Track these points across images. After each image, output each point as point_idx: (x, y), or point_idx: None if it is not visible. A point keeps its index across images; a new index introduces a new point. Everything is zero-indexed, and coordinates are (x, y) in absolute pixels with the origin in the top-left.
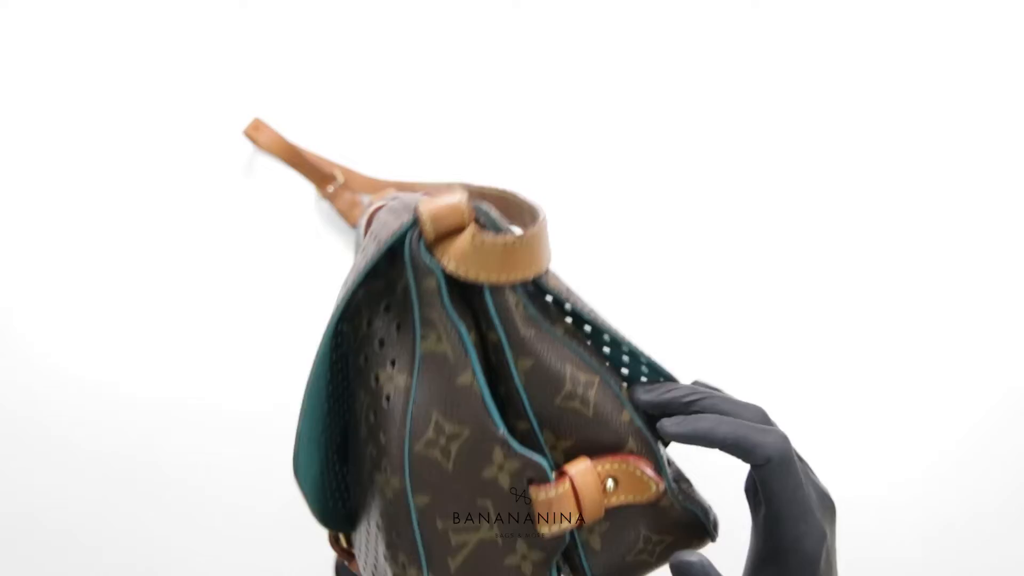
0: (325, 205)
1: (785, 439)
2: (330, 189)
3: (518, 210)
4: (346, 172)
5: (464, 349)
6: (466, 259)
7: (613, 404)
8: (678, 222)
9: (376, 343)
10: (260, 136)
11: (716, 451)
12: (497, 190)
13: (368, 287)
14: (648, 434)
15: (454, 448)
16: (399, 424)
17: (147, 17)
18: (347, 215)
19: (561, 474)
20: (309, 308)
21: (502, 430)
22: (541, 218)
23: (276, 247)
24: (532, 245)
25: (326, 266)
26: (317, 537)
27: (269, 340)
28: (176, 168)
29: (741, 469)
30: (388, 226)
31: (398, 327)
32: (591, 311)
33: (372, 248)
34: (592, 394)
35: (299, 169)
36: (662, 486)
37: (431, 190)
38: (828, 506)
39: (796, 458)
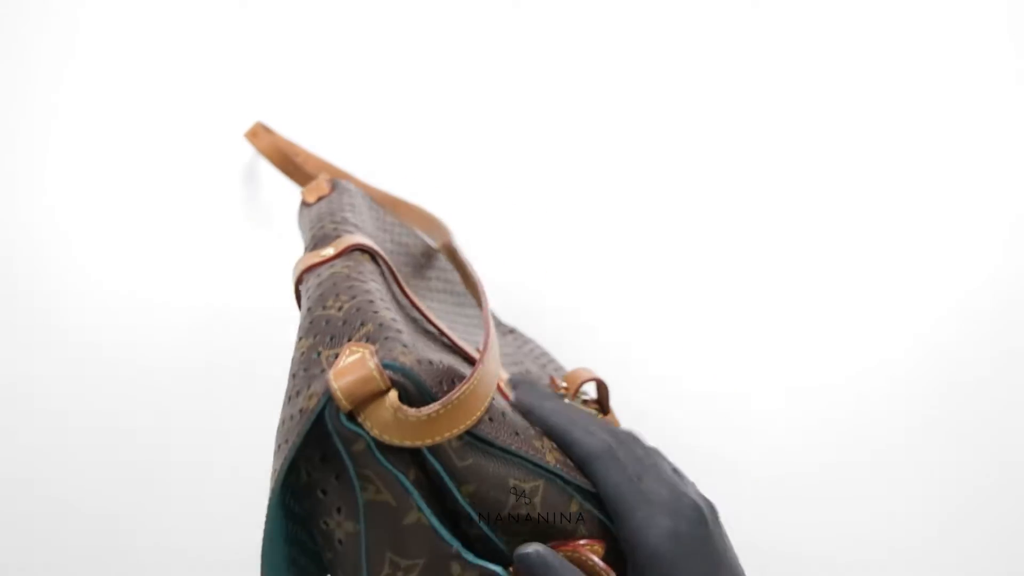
0: None
1: (605, 442)
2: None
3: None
4: (339, 176)
5: (406, 492)
6: (390, 429)
7: (560, 499)
8: (674, 220)
9: (319, 492)
10: (258, 141)
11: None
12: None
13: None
14: (599, 513)
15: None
16: (355, 566)
17: (147, 17)
18: None
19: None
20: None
21: (455, 547)
22: (472, 376)
23: (272, 248)
24: (459, 408)
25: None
26: None
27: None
28: (175, 167)
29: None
30: (309, 374)
31: (336, 477)
32: (522, 440)
33: (297, 420)
34: (538, 499)
35: (293, 178)
36: (612, 574)
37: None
38: (686, 507)
39: (635, 453)
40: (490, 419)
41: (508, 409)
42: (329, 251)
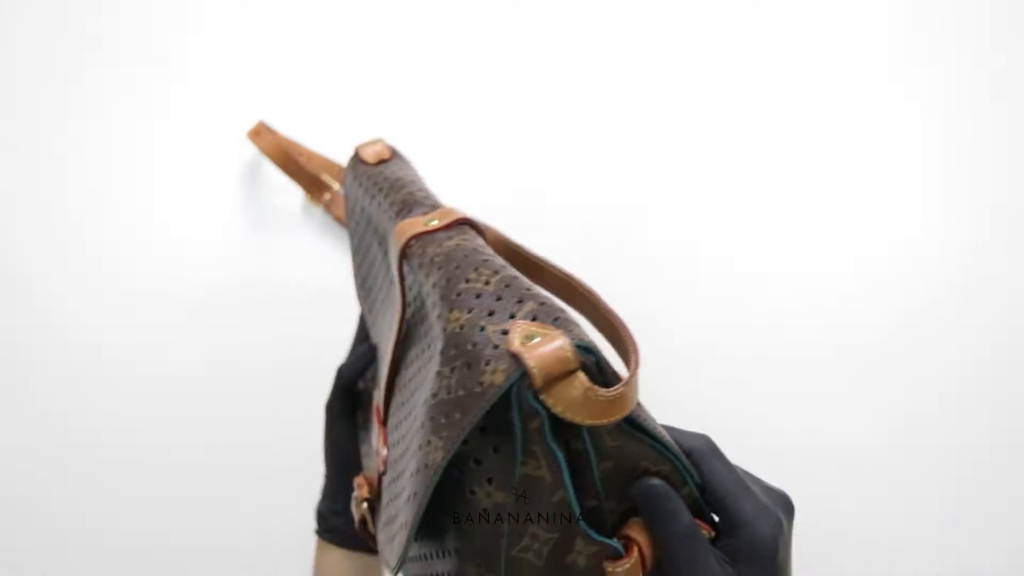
0: (318, 211)
1: (706, 438)
2: (327, 197)
3: (612, 334)
4: (340, 171)
5: (559, 470)
6: (574, 407)
7: (678, 482)
8: (679, 225)
9: (472, 461)
10: (260, 140)
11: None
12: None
13: None
14: (700, 498)
15: (546, 550)
16: (497, 534)
17: (149, 16)
18: (342, 222)
19: (630, 543)
20: (305, 313)
21: (583, 526)
22: (639, 359)
23: (274, 252)
24: (631, 390)
25: (322, 270)
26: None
27: (267, 347)
28: (178, 169)
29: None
30: (477, 353)
31: (495, 449)
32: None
33: (479, 392)
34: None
35: (294, 177)
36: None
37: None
38: (782, 502)
39: (726, 458)
40: (639, 403)
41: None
42: (434, 222)
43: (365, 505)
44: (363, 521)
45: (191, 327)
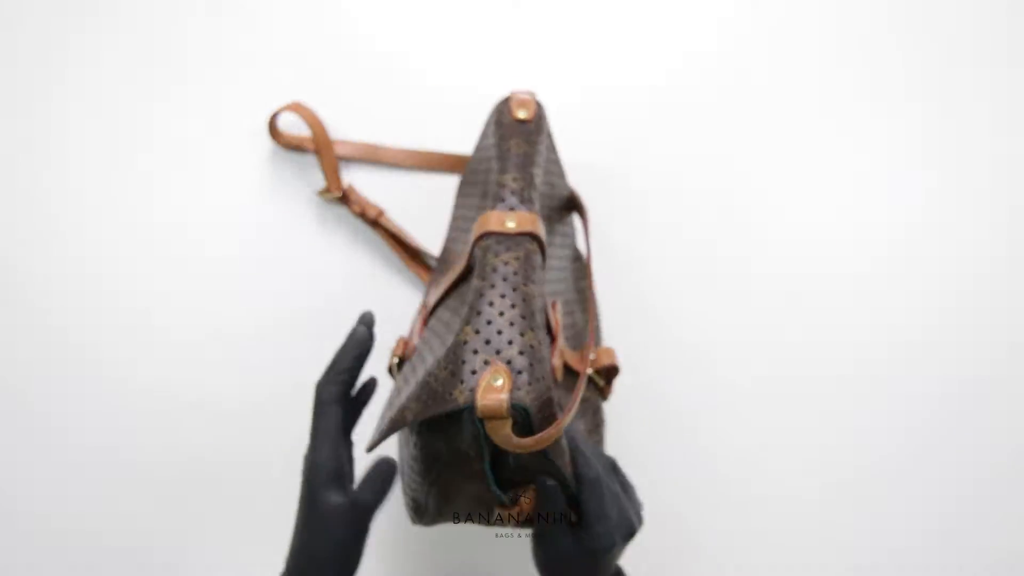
0: (334, 204)
1: (597, 470)
2: (346, 185)
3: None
4: (372, 150)
5: (483, 455)
6: (497, 438)
7: (564, 483)
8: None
9: (437, 422)
10: (303, 112)
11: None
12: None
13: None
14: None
15: (463, 486)
16: (433, 463)
17: (157, 13)
18: (362, 213)
19: (516, 500)
20: (318, 305)
21: (490, 481)
22: (557, 426)
23: (287, 244)
24: (538, 443)
25: (335, 263)
26: None
27: (276, 337)
28: (189, 164)
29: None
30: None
31: (448, 426)
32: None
33: (444, 401)
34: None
35: (322, 158)
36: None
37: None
38: (625, 529)
39: (608, 486)
40: (556, 442)
41: (563, 434)
42: (511, 223)
43: (396, 360)
44: (390, 370)
45: (199, 322)
